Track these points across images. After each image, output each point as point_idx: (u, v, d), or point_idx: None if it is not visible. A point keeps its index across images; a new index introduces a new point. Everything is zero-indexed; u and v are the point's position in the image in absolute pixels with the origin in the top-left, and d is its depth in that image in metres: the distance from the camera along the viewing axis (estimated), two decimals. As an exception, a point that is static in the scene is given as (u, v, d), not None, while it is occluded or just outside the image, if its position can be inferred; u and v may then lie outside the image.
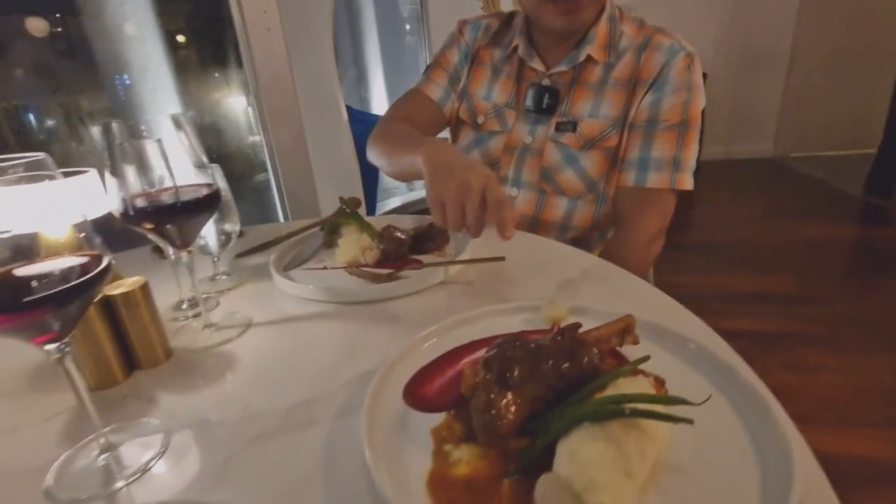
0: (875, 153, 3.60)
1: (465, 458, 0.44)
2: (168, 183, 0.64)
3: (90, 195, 1.09)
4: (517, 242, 0.97)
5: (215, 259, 0.90)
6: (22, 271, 0.40)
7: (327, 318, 0.76)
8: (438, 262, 0.86)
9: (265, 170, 2.28)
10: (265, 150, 2.24)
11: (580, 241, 1.07)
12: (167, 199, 0.63)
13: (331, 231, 1.03)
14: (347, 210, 1.02)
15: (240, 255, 1.04)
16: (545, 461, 0.40)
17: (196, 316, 0.78)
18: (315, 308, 0.79)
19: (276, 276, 0.86)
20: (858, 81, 4.47)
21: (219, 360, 0.66)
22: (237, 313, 0.78)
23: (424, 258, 0.90)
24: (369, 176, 2.37)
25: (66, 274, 0.41)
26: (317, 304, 0.80)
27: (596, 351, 0.48)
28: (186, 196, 0.63)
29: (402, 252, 0.91)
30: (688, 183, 0.92)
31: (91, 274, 0.42)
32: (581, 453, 0.38)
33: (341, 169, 2.18)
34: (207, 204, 0.66)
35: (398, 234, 0.93)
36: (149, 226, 0.63)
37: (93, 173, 1.10)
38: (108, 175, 0.61)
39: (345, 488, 0.43)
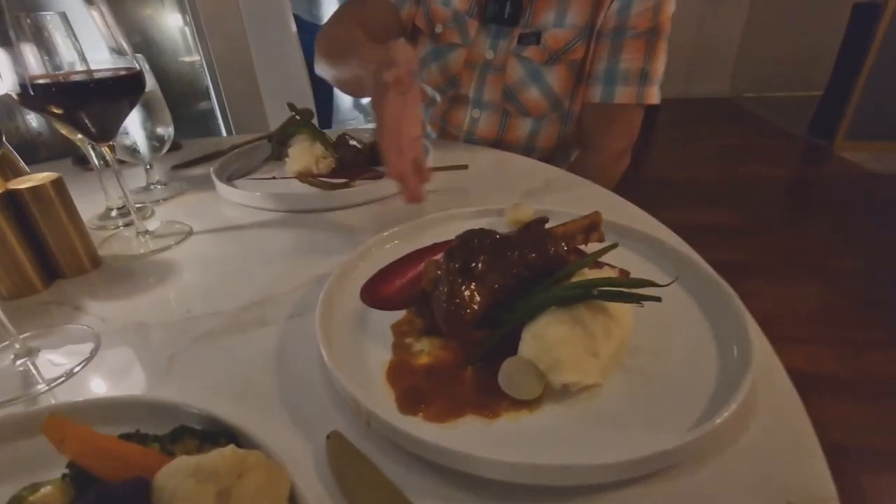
0: (821, 95, 3.72)
1: (426, 350, 0.42)
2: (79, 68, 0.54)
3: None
4: (479, 155, 0.93)
5: (147, 167, 0.81)
6: None
7: (277, 227, 0.70)
8: (398, 170, 0.81)
9: (207, 95, 2.06)
10: (204, 66, 2.01)
11: (544, 161, 1.04)
12: (78, 79, 0.54)
13: (280, 142, 0.94)
14: (298, 118, 0.93)
15: (178, 167, 0.95)
16: (507, 350, 0.39)
17: (128, 225, 0.71)
18: (263, 217, 0.73)
19: (218, 185, 0.79)
20: (814, 22, 4.52)
21: (156, 267, 0.60)
22: (175, 223, 0.71)
23: (381, 170, 0.84)
24: (323, 97, 2.20)
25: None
26: (265, 213, 0.74)
27: (563, 243, 0.47)
28: (101, 77, 0.54)
29: (358, 161, 0.85)
30: (655, 96, 0.89)
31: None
32: (547, 334, 0.37)
33: (291, 87, 2.01)
34: (127, 87, 0.57)
35: (354, 143, 0.86)
36: (56, 110, 0.54)
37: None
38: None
39: (300, 384, 0.41)
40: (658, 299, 0.36)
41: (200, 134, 2.12)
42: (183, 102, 2.08)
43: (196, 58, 2.04)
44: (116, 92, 0.56)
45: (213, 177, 0.80)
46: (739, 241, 2.39)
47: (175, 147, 1.08)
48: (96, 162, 0.69)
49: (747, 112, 4.57)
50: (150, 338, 0.48)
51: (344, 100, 3.68)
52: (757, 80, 4.93)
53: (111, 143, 0.59)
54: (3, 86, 0.53)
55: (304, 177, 0.79)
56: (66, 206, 0.56)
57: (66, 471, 0.29)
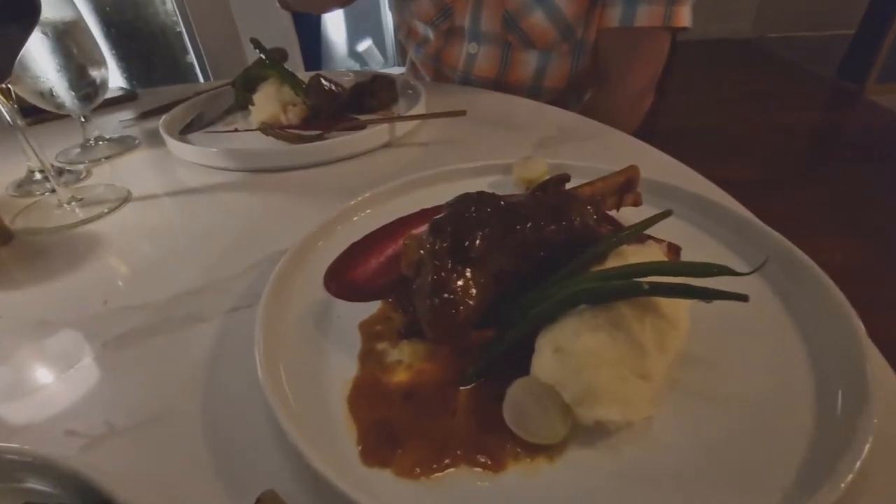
0: (852, 34, 3.42)
1: (405, 360, 0.31)
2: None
3: None
4: (478, 98, 0.79)
5: (82, 119, 0.67)
6: None
7: (234, 190, 0.58)
8: (382, 118, 0.67)
9: (181, 41, 1.87)
10: (175, 9, 1.81)
11: (553, 105, 0.89)
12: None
13: (244, 87, 0.79)
14: (266, 60, 0.78)
15: (129, 120, 0.81)
16: (517, 363, 0.28)
17: (53, 191, 0.59)
18: (220, 178, 0.60)
19: (168, 140, 0.66)
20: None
21: (77, 243, 0.49)
22: (111, 186, 0.58)
23: (363, 118, 0.70)
24: (309, 41, 2.00)
25: None
26: (223, 172, 0.61)
27: (591, 209, 0.34)
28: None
29: (335, 108, 0.71)
30: (685, 18, 0.72)
31: None
32: (575, 347, 0.25)
33: (272, 29, 1.81)
34: (14, 9, 0.43)
35: (331, 86, 0.72)
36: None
37: None
38: None
39: (233, 409, 0.30)
40: (744, 298, 0.24)
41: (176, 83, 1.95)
42: (155, 50, 1.89)
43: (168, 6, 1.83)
44: (23, 10, 0.42)
45: (162, 130, 0.66)
46: (763, 195, 2.23)
47: (130, 97, 0.94)
48: (7, 117, 0.56)
49: (771, 54, 4.25)
50: (48, 342, 0.37)
51: (337, 47, 3.44)
52: (782, 19, 4.56)
53: (5, 85, 0.46)
54: None
55: (269, 128, 0.66)
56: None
57: None
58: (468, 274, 0.30)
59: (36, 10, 0.45)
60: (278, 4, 0.97)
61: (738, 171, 2.53)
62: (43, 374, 0.34)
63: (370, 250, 0.41)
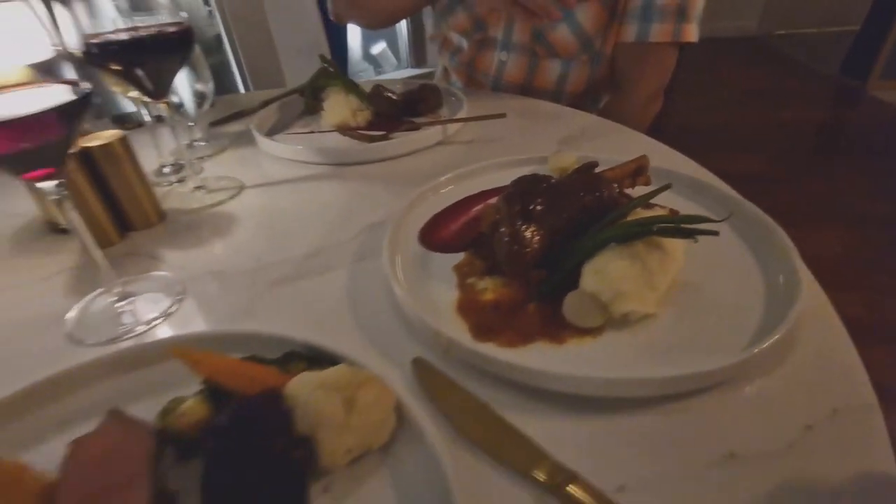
0: (857, 31, 3.51)
1: (489, 287, 0.45)
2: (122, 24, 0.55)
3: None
4: (512, 105, 0.93)
5: (191, 123, 0.83)
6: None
7: (322, 179, 0.73)
8: (435, 120, 0.82)
9: (219, 48, 2.03)
10: (217, 18, 1.97)
11: (572, 108, 1.03)
12: (138, 36, 0.55)
13: (312, 95, 0.95)
14: (331, 70, 0.93)
15: (214, 124, 0.96)
16: (566, 287, 0.42)
17: (181, 181, 0.74)
18: (307, 170, 0.75)
19: (261, 140, 0.81)
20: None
21: (218, 220, 0.64)
22: (225, 178, 0.74)
23: (417, 121, 0.85)
24: (337, 49, 2.15)
25: (49, 97, 0.36)
26: (308, 166, 0.76)
27: (615, 185, 0.49)
28: (159, 33, 0.55)
29: (394, 113, 0.86)
30: (693, 34, 0.86)
31: (76, 97, 0.37)
32: (608, 269, 0.40)
33: (306, 39, 1.97)
34: (181, 43, 0.58)
35: (390, 94, 0.87)
36: (115, 67, 0.55)
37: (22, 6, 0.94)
38: (58, 6, 0.52)
39: (374, 320, 0.45)
40: (716, 233, 0.39)
41: (219, 90, 2.11)
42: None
43: (207, 8, 1.99)
44: (172, 48, 0.57)
45: (255, 132, 0.82)
46: (767, 189, 2.36)
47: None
48: (149, 119, 0.71)
49: (776, 51, 4.34)
50: (227, 283, 0.52)
51: (353, 51, 3.59)
52: (788, 17, 4.63)
53: (167, 99, 0.61)
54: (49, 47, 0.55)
55: (346, 129, 0.81)
56: (132, 162, 0.59)
57: (202, 387, 0.33)
58: (532, 229, 0.45)
59: (192, 42, 0.60)
60: (333, 19, 1.11)
61: (743, 166, 2.65)
62: (230, 303, 0.49)
63: (451, 217, 0.55)
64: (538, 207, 0.45)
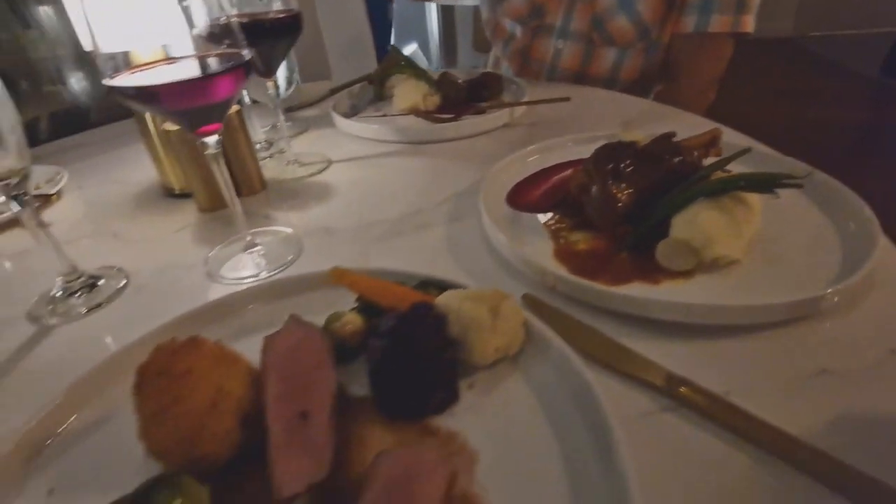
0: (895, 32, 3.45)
1: (581, 239, 0.50)
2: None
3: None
4: (570, 92, 0.97)
5: (275, 107, 0.90)
6: (184, 64, 0.42)
7: (400, 156, 0.79)
8: (502, 104, 0.87)
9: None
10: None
11: (624, 96, 1.06)
12: (252, 19, 0.62)
13: (381, 83, 1.01)
14: (400, 58, 1.00)
15: (289, 110, 1.04)
16: (653, 238, 0.47)
17: (271, 156, 0.81)
18: (384, 148, 0.81)
19: (340, 121, 0.87)
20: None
21: (314, 188, 0.71)
22: (313, 154, 0.80)
23: (482, 105, 0.90)
24: (381, 47, 2.23)
25: (219, 63, 0.43)
26: (385, 145, 0.82)
27: (695, 152, 0.53)
28: (276, 17, 0.62)
29: (461, 98, 0.91)
30: (750, 25, 0.90)
31: (242, 62, 0.43)
32: (699, 219, 0.44)
33: (351, 36, 2.05)
34: (291, 26, 0.65)
35: (456, 80, 0.92)
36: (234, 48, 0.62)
37: None
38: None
39: (476, 266, 0.50)
40: (801, 185, 0.43)
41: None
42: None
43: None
44: (283, 31, 0.64)
45: (334, 114, 0.88)
46: (801, 187, 2.34)
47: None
48: (247, 101, 0.78)
49: (812, 52, 4.27)
50: (337, 238, 0.58)
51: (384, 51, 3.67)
52: (824, 18, 4.56)
53: (273, 78, 0.68)
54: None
55: (419, 112, 0.87)
56: (245, 134, 0.66)
57: (356, 304, 0.39)
58: (622, 186, 0.50)
59: (299, 28, 0.67)
60: None
61: (779, 165, 2.62)
62: (345, 252, 0.55)
63: (534, 184, 0.60)
64: (628, 168, 0.50)
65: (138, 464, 0.31)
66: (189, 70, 0.44)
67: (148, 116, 0.65)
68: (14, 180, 0.43)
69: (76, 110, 1.25)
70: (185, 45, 0.56)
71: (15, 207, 0.45)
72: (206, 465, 0.29)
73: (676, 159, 0.51)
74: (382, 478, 0.26)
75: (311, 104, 1.04)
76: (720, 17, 0.89)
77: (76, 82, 1.28)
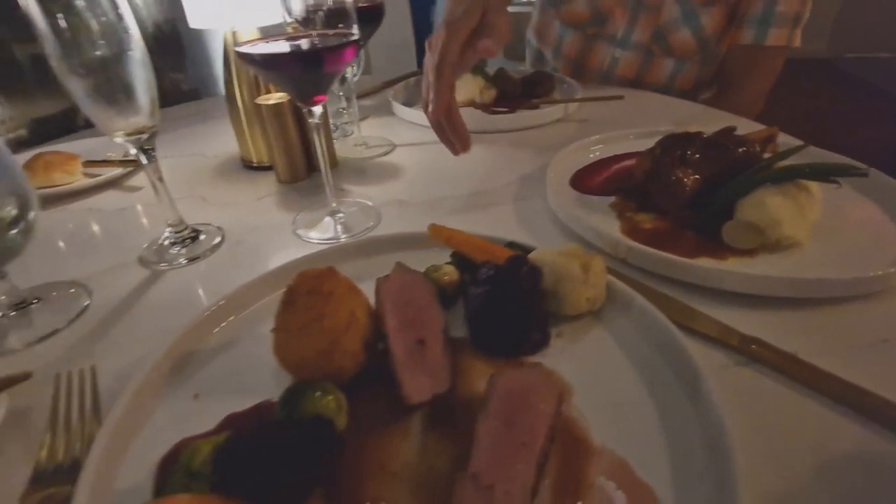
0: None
1: (647, 219, 0.54)
2: None
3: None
4: (622, 93, 1.01)
5: (340, 93, 0.95)
6: (304, 39, 0.47)
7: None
8: (558, 99, 0.91)
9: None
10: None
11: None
12: (339, 6, 0.67)
13: (435, 77, 1.06)
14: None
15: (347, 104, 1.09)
16: (716, 221, 0.50)
17: (336, 139, 0.86)
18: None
19: (401, 109, 0.92)
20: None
21: (382, 168, 0.75)
22: (377, 137, 0.85)
23: (537, 101, 0.94)
24: (421, 51, 2.30)
25: (335, 39, 0.48)
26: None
27: (756, 145, 0.56)
28: (365, 5, 0.67)
29: (516, 92, 0.96)
30: (799, 39, 0.92)
31: (351, 39, 0.48)
32: (766, 202, 0.47)
33: (395, 37, 2.12)
34: (374, 14, 0.70)
35: (512, 76, 0.97)
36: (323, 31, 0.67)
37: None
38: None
39: (547, 240, 0.54)
40: (865, 174, 0.46)
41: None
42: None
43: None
44: (367, 18, 0.69)
45: (395, 102, 0.93)
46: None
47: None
48: (341, 93, 0.84)
49: (846, 73, 4.23)
50: (411, 210, 0.62)
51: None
52: (858, 40, 4.52)
53: (353, 64, 0.73)
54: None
55: (476, 104, 0.91)
56: (325, 113, 0.71)
57: (450, 260, 0.43)
58: (689, 172, 0.53)
59: (381, 16, 0.72)
60: None
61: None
62: (421, 221, 0.59)
63: (596, 171, 0.64)
64: (694, 156, 0.54)
65: (270, 375, 0.36)
66: (310, 43, 0.49)
67: (237, 93, 0.70)
68: (145, 136, 0.49)
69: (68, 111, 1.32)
70: (278, 27, 0.61)
71: (143, 160, 0.50)
72: (335, 378, 0.33)
73: (741, 149, 0.54)
74: (502, 391, 0.30)
75: (369, 94, 1.09)
76: (777, 30, 0.91)
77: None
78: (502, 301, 0.37)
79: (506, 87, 0.96)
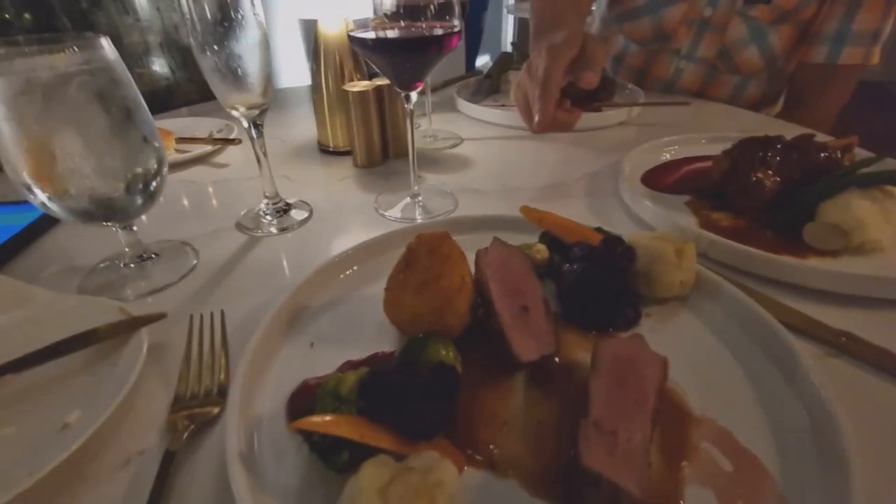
0: None
1: (723, 218, 0.55)
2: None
3: None
4: (688, 100, 1.01)
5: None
6: (409, 29, 0.51)
7: (524, 140, 0.85)
8: (624, 103, 0.93)
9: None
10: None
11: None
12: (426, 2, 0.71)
13: (497, 77, 1.09)
14: (515, 54, 1.08)
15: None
16: (796, 222, 0.51)
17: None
18: (507, 133, 0.88)
19: (466, 105, 0.95)
20: None
21: (453, 159, 0.78)
22: (447, 130, 0.88)
23: (599, 104, 0.96)
24: (471, 46, 2.35)
25: (439, 29, 0.51)
26: (507, 129, 0.89)
27: (838, 151, 0.57)
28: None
29: (577, 94, 0.97)
30: (878, 56, 0.90)
31: (451, 31, 0.51)
32: (852, 206, 0.48)
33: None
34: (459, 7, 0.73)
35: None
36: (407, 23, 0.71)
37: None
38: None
39: (617, 229, 0.55)
40: (959, 183, 0.46)
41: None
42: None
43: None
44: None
45: (460, 99, 0.97)
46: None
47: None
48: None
49: (902, 98, 4.08)
50: (487, 197, 0.65)
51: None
52: (918, 64, 4.35)
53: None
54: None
55: (540, 103, 0.94)
56: (402, 105, 0.75)
57: (539, 240, 0.45)
58: (769, 173, 0.54)
59: (463, 15, 0.75)
60: None
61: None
62: (496, 205, 0.62)
63: (666, 171, 0.66)
64: (775, 158, 0.55)
65: (377, 329, 0.39)
66: (417, 31, 0.52)
67: (323, 81, 0.74)
68: (255, 112, 0.53)
69: (161, 91, 1.41)
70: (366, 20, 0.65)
71: (254, 133, 0.54)
72: (443, 336, 0.35)
73: (822, 154, 0.55)
74: (610, 356, 0.32)
75: (433, 90, 1.13)
76: (853, 49, 0.89)
77: (160, 67, 1.43)
78: (598, 277, 0.39)
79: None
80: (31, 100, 0.36)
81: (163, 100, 1.33)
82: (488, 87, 1.10)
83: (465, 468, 0.29)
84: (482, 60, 3.92)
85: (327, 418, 0.27)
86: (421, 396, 0.27)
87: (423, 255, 0.35)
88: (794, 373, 0.33)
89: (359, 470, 0.25)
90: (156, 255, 0.51)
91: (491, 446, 0.30)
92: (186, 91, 1.48)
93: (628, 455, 0.26)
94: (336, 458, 0.26)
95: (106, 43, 0.40)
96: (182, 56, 1.45)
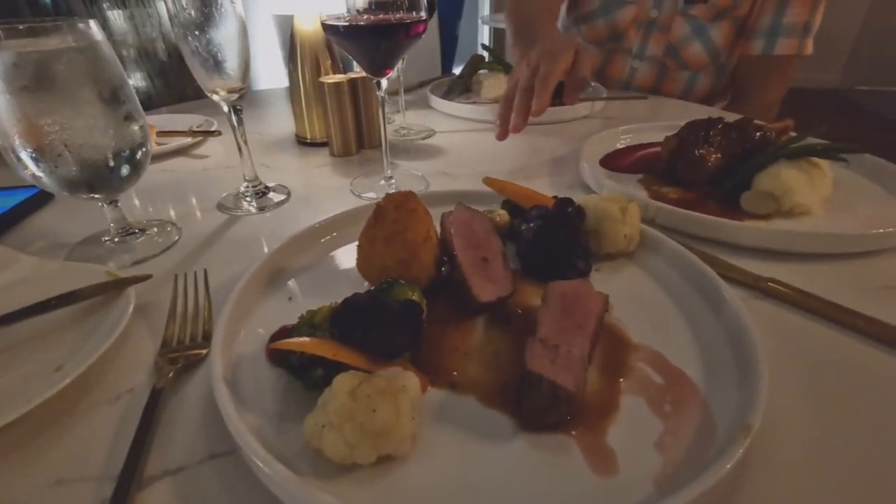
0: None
1: (671, 192, 0.60)
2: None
3: None
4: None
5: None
6: (379, 17, 0.55)
7: (490, 133, 0.90)
8: (588, 97, 0.99)
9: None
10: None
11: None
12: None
13: (469, 76, 1.14)
14: (489, 54, 1.13)
15: (392, 94, 1.17)
16: (734, 193, 0.56)
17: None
18: (478, 126, 0.93)
19: (439, 102, 1.00)
20: (950, 10, 4.15)
21: (425, 149, 0.82)
22: (420, 124, 0.93)
23: (564, 99, 1.01)
24: (447, 49, 2.42)
25: (406, 18, 0.55)
26: (477, 123, 0.94)
27: (773, 132, 0.63)
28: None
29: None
30: (811, 47, 0.99)
31: (416, 20, 0.56)
32: (781, 174, 0.54)
33: (423, 46, 2.23)
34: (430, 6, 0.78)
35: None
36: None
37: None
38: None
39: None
40: (864, 151, 0.52)
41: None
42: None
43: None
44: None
45: (432, 96, 1.01)
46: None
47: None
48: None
49: (859, 105, 4.30)
50: (457, 180, 0.69)
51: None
52: (873, 72, 4.60)
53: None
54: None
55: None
56: (375, 97, 0.79)
57: (501, 205, 0.49)
58: (711, 149, 0.59)
59: (433, 9, 0.80)
60: None
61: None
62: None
63: (622, 155, 0.71)
64: (716, 136, 0.60)
65: (352, 285, 0.42)
66: (385, 20, 0.56)
67: (300, 74, 0.78)
68: (235, 96, 0.56)
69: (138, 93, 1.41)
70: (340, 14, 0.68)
71: (233, 118, 0.57)
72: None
73: (758, 133, 0.61)
74: (558, 292, 0.36)
75: (407, 90, 1.17)
76: (786, 40, 0.98)
77: (135, 81, 1.40)
78: (552, 234, 0.44)
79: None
80: (23, 73, 0.39)
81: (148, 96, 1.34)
82: (461, 87, 1.15)
83: (429, 388, 0.32)
84: (458, 69, 4.02)
85: (303, 339, 0.30)
86: (389, 319, 0.31)
87: (391, 209, 0.39)
88: (720, 306, 0.38)
89: (332, 383, 0.28)
90: (140, 230, 0.54)
91: (454, 373, 0.34)
92: (166, 101, 1.50)
93: (567, 362, 0.30)
94: (311, 374, 0.30)
95: (94, 25, 0.43)
96: (159, 67, 1.46)
